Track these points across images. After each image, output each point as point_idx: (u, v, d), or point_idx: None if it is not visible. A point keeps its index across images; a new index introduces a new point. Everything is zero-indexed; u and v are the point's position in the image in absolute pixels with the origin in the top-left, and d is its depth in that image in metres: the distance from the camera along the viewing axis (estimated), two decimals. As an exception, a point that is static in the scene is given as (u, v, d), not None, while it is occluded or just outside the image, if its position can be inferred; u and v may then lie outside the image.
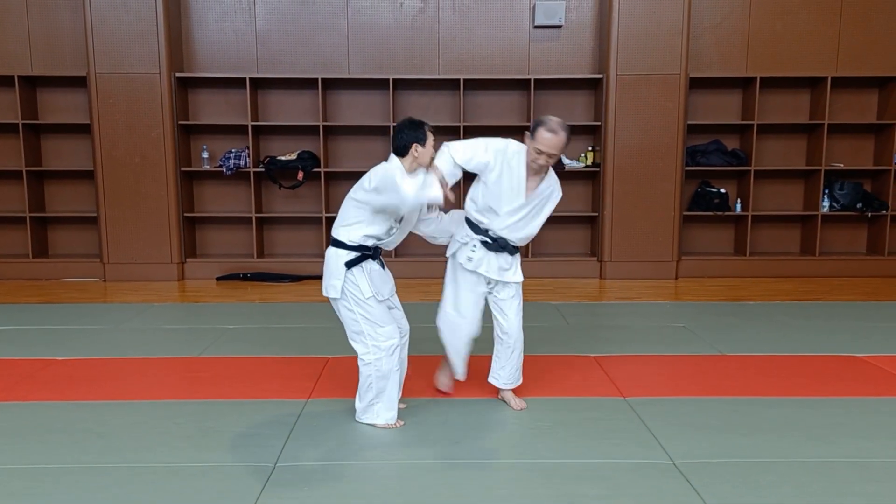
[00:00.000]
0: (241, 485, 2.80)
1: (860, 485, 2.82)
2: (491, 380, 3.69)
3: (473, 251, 3.47)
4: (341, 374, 4.19)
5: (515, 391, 3.70)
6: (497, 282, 3.54)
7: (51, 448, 3.15)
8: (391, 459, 3.06)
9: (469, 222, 3.53)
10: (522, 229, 3.49)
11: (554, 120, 3.28)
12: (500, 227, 3.45)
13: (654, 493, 2.74)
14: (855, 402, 3.72)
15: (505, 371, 3.63)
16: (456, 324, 3.59)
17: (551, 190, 3.50)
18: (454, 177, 3.41)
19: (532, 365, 4.31)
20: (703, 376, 4.17)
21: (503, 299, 3.57)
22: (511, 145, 3.41)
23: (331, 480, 2.86)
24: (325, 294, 3.41)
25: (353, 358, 4.45)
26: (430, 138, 3.26)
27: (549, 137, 3.24)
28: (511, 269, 3.54)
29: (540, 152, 3.28)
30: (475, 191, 3.50)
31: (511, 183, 3.38)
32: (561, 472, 2.92)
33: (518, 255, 3.59)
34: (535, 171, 3.38)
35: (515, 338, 3.59)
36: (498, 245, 3.47)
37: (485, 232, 3.47)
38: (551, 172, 3.51)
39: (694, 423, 3.42)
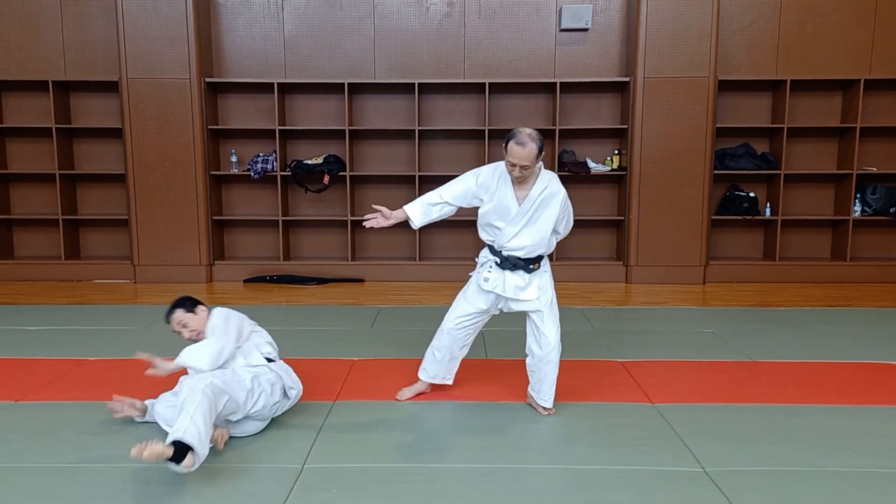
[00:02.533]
0: (269, 486, 2.82)
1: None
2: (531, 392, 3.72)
3: (490, 271, 3.54)
4: (367, 376, 4.21)
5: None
6: (514, 300, 3.56)
7: (82, 448, 3.20)
8: (419, 463, 3.06)
9: (488, 246, 3.61)
10: (528, 238, 3.45)
11: (524, 132, 3.30)
12: (505, 241, 3.48)
13: (685, 502, 2.72)
14: (889, 412, 3.65)
15: (544, 386, 3.62)
16: (441, 326, 3.73)
17: (548, 191, 3.44)
18: (432, 214, 3.64)
19: (559, 369, 4.29)
20: (733, 383, 4.12)
21: (532, 318, 3.60)
22: (501, 164, 3.48)
23: (358, 482, 2.87)
24: None
25: (380, 360, 4.51)
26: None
27: (518, 150, 3.27)
28: (527, 288, 3.52)
29: (513, 165, 3.32)
30: (479, 214, 3.58)
31: (504, 196, 3.44)
32: (591, 479, 2.90)
33: (539, 275, 3.55)
34: (519, 182, 3.42)
35: (555, 352, 3.59)
36: (510, 263, 3.49)
37: (498, 252, 3.52)
38: (544, 174, 3.46)
39: (724, 430, 3.38)
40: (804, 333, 5.22)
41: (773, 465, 3.01)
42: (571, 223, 3.63)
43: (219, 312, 3.42)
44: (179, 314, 3.43)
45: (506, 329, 4.84)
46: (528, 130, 3.32)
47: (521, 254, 3.49)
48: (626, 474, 2.94)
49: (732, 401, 3.80)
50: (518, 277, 3.52)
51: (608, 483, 2.86)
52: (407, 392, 3.84)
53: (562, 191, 3.48)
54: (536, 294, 3.52)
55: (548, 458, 3.11)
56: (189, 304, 3.47)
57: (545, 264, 3.61)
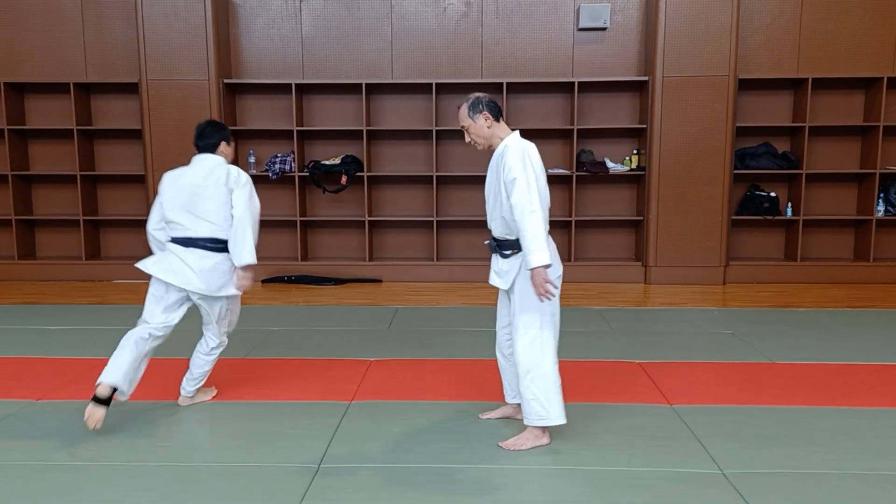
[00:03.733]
0: (286, 485, 2.83)
1: (920, 500, 2.71)
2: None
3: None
4: (384, 376, 4.21)
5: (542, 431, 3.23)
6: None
7: (101, 447, 3.22)
8: (433, 463, 3.05)
9: None
10: (496, 212, 3.20)
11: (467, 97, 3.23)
12: (488, 220, 3.31)
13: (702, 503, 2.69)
14: (913, 414, 3.60)
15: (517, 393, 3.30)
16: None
17: (500, 155, 3.14)
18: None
19: (576, 370, 4.28)
20: (752, 384, 4.07)
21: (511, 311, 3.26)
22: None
23: (374, 482, 2.87)
24: (216, 293, 3.60)
25: (397, 361, 4.51)
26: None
27: (458, 112, 3.24)
28: (503, 276, 3.23)
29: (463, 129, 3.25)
30: None
31: None
32: (607, 480, 2.88)
33: (515, 261, 3.17)
34: (480, 148, 3.27)
35: (518, 361, 3.19)
36: (491, 246, 3.31)
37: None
38: (506, 140, 3.17)
39: (742, 432, 3.34)
40: (825, 335, 5.15)
41: (793, 468, 2.97)
42: (523, 199, 2.98)
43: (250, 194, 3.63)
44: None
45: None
46: (473, 94, 3.22)
47: (495, 234, 3.28)
48: (642, 476, 2.91)
49: (751, 402, 3.76)
50: (496, 263, 3.30)
51: (624, 484, 2.84)
52: (492, 413, 3.59)
53: (510, 153, 3.07)
54: (506, 284, 3.22)
55: (562, 460, 3.08)
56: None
57: None
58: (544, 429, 3.21)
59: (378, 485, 2.85)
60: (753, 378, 4.19)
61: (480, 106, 3.15)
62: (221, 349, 3.78)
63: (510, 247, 3.18)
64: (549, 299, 3.02)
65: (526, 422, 3.20)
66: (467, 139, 3.24)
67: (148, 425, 3.47)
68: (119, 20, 7.25)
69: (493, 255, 3.32)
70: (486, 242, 3.37)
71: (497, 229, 3.24)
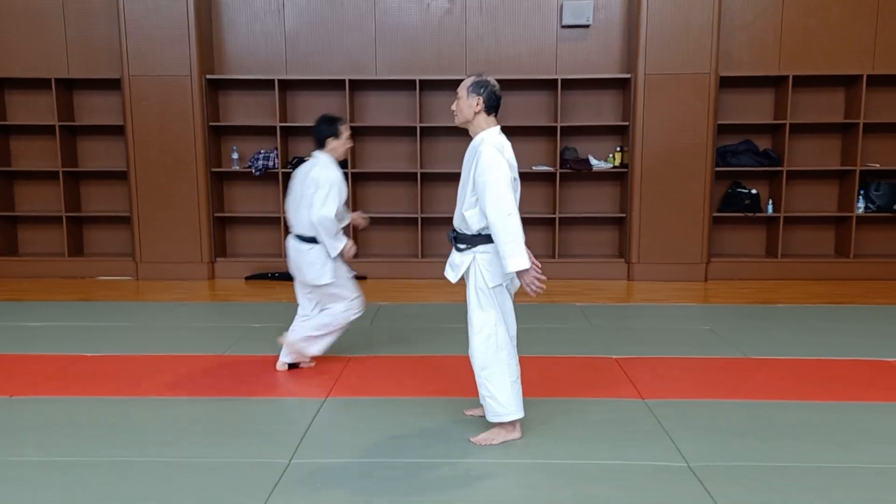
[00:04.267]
0: (254, 480, 2.84)
1: (882, 492, 2.75)
2: None
3: None
4: (361, 373, 4.23)
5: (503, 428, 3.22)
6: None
7: (75, 442, 3.23)
8: (404, 458, 3.07)
9: None
10: (460, 204, 3.19)
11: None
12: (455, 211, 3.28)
13: (667, 496, 2.72)
14: (881, 408, 3.64)
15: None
16: None
17: (475, 150, 3.11)
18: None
19: (552, 366, 4.31)
20: (726, 379, 4.11)
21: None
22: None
23: (344, 478, 2.88)
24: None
25: (375, 357, 4.53)
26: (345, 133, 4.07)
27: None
28: (455, 269, 3.21)
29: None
30: None
31: None
32: (573, 473, 2.91)
33: (467, 256, 3.15)
34: (455, 119, 3.23)
35: (473, 359, 3.19)
36: (449, 237, 3.27)
37: None
38: (478, 134, 3.15)
39: (713, 426, 3.38)
40: (802, 331, 5.19)
41: (760, 461, 3.01)
42: (498, 201, 2.96)
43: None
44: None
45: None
46: (486, 77, 3.17)
47: (455, 225, 3.24)
48: (608, 468, 2.94)
49: (724, 397, 3.79)
50: (451, 255, 3.27)
51: (590, 477, 2.87)
52: (476, 411, 3.52)
53: (486, 147, 3.05)
54: (455, 278, 3.21)
55: (531, 454, 3.11)
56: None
57: (486, 251, 3.12)
58: (515, 423, 3.24)
59: (348, 480, 2.87)
60: (727, 373, 4.23)
61: (481, 90, 3.12)
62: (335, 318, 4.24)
63: (465, 241, 3.17)
64: (541, 292, 3.05)
65: (489, 415, 3.22)
66: (453, 106, 3.22)
67: (123, 420, 3.47)
68: (101, 16, 7.22)
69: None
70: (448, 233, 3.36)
71: (456, 221, 3.24)
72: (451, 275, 3.26)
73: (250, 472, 2.92)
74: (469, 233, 3.16)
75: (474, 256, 3.15)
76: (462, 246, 3.19)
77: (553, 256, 7.36)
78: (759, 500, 2.68)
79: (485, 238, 3.13)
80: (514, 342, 3.26)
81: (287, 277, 7.29)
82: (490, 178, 2.99)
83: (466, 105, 3.13)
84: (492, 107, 3.15)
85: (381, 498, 2.72)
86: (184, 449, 3.16)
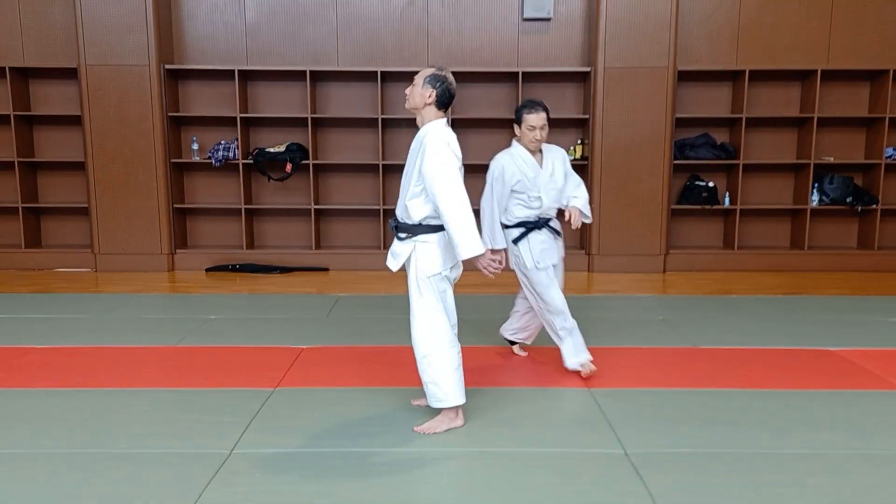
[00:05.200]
0: (193, 471, 2.84)
1: (811, 476, 2.83)
2: None
3: None
4: (314, 363, 4.24)
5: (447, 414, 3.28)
6: None
7: (15, 434, 3.21)
8: (346, 448, 3.09)
9: None
10: (403, 194, 3.23)
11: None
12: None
13: (601, 482, 2.77)
14: (820, 395, 3.73)
15: None
16: None
17: (420, 142, 3.18)
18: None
19: (501, 357, 4.36)
20: (673, 368, 4.18)
21: None
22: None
23: (284, 468, 2.90)
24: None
25: (329, 348, 4.54)
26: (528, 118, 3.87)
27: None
28: (395, 258, 3.27)
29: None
30: None
31: None
32: (512, 461, 2.95)
33: (407, 246, 3.22)
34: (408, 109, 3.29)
35: (414, 346, 3.26)
36: (391, 226, 3.30)
37: None
38: (425, 125, 3.20)
39: (653, 414, 3.44)
40: (751, 320, 5.29)
41: (694, 448, 3.07)
42: (449, 190, 3.02)
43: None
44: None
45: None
46: (444, 72, 3.21)
47: (397, 214, 3.30)
48: (547, 457, 2.99)
49: (667, 386, 3.86)
50: (393, 243, 3.33)
51: (527, 465, 2.91)
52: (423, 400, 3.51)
53: (430, 140, 3.10)
54: (395, 267, 3.28)
55: (472, 442, 3.14)
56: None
57: (427, 240, 3.19)
58: (457, 411, 3.28)
59: (287, 469, 2.88)
60: (674, 362, 4.30)
61: (437, 83, 3.16)
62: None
63: (407, 230, 3.22)
64: (498, 272, 3.21)
65: (432, 402, 3.27)
66: (407, 90, 3.25)
67: (67, 413, 3.45)
68: (57, 3, 7.10)
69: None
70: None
71: (399, 210, 3.28)
72: (393, 263, 3.31)
73: (189, 462, 2.92)
74: (410, 222, 3.21)
75: (415, 246, 3.21)
76: (403, 235, 3.24)
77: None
78: (691, 486, 2.74)
79: (426, 228, 3.19)
80: (455, 330, 3.30)
81: (248, 269, 7.31)
82: (439, 168, 3.05)
83: (419, 94, 3.17)
84: (443, 103, 3.20)
85: (318, 486, 2.74)
86: (124, 441, 3.14)
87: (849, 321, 5.26)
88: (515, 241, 4.00)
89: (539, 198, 3.95)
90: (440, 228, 3.17)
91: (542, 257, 3.98)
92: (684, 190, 7.45)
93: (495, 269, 3.17)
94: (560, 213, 4.08)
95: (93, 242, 7.21)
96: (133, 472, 2.85)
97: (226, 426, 3.28)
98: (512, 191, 3.94)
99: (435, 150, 3.07)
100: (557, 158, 4.08)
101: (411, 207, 3.16)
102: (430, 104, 3.17)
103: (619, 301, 6.01)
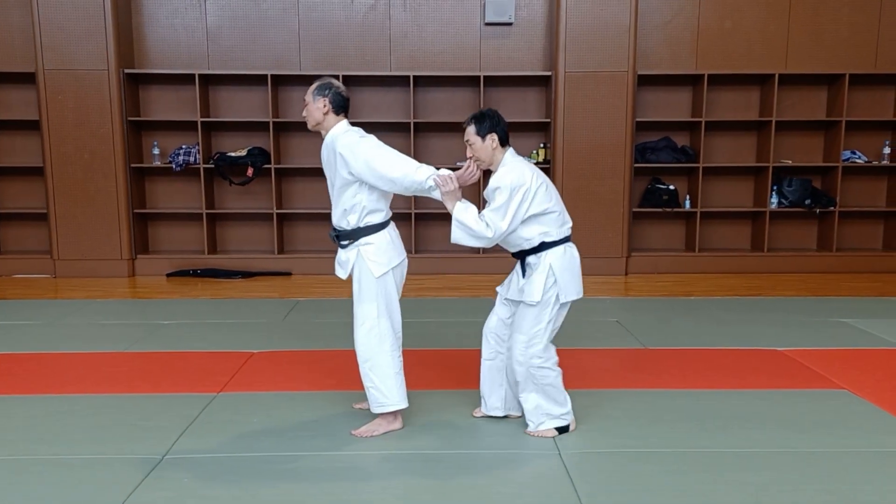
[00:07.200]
0: (122, 476, 2.82)
1: (738, 473, 2.86)
2: None
3: None
4: (262, 368, 4.22)
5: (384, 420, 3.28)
6: None
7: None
8: (282, 452, 3.08)
9: None
10: (336, 204, 3.25)
11: None
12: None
13: (530, 482, 2.79)
14: (761, 395, 3.76)
15: None
16: None
17: (331, 148, 3.20)
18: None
19: (445, 359, 4.37)
20: (619, 369, 4.21)
21: None
22: None
23: (214, 473, 2.88)
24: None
25: (279, 352, 4.52)
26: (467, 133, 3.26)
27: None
28: (343, 266, 3.28)
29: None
30: None
31: None
32: (443, 462, 2.96)
33: (352, 252, 3.22)
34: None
35: (357, 350, 3.27)
36: (331, 237, 3.30)
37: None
38: (330, 132, 3.21)
39: (592, 414, 3.45)
40: (704, 322, 5.33)
41: (628, 447, 3.09)
42: (395, 161, 3.07)
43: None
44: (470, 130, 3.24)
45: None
46: (328, 80, 3.23)
47: (334, 223, 3.28)
48: (479, 458, 3.00)
49: (611, 387, 3.88)
50: (338, 253, 3.31)
51: (459, 466, 2.92)
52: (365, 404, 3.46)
53: (342, 141, 3.12)
54: (345, 274, 3.26)
55: (407, 445, 3.14)
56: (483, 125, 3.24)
57: (369, 242, 3.19)
58: (396, 414, 3.27)
59: (218, 474, 2.86)
60: (622, 363, 4.33)
61: (326, 91, 3.17)
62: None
63: (347, 237, 3.22)
64: (482, 166, 3.23)
65: (371, 409, 3.26)
66: (304, 113, 3.24)
67: (2, 419, 3.41)
68: (14, 7, 7.03)
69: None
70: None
71: (335, 219, 3.27)
72: (341, 272, 3.32)
73: (119, 467, 2.90)
74: (350, 228, 3.21)
75: (358, 250, 3.21)
76: (345, 242, 3.24)
77: (477, 251, 7.42)
78: (618, 485, 2.76)
79: (365, 230, 3.20)
80: (399, 335, 3.30)
81: (209, 274, 7.26)
82: (367, 152, 3.09)
83: (315, 108, 3.19)
84: (340, 107, 3.21)
85: (249, 490, 2.73)
86: (59, 447, 3.11)
87: (801, 322, 5.31)
88: None
89: None
90: (381, 227, 3.20)
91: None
92: (646, 193, 7.50)
93: (474, 168, 3.17)
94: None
95: (52, 248, 7.13)
96: (61, 477, 2.82)
97: (162, 431, 3.26)
98: None
99: (350, 143, 3.12)
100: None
101: (347, 213, 3.17)
102: (327, 113, 3.20)
103: (575, 304, 6.00)
